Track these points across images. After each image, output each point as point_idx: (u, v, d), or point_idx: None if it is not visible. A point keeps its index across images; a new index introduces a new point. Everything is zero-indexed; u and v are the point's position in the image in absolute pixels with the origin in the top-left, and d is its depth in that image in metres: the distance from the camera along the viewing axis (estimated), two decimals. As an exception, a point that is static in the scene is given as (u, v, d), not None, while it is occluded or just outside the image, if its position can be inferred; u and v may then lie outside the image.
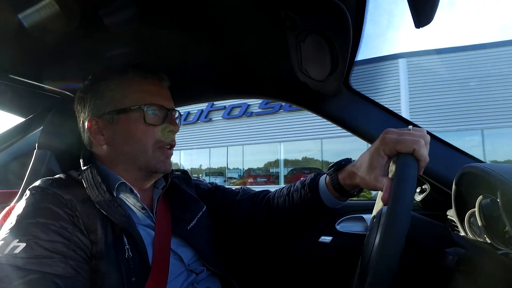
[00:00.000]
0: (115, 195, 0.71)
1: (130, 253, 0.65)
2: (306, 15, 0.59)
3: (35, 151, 0.90)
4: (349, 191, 0.74)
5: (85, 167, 0.72)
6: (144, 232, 0.72)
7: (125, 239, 0.66)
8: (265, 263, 1.06)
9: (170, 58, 0.85)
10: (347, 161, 0.75)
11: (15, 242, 0.56)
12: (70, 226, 0.62)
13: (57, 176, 0.73)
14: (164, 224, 0.77)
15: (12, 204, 0.81)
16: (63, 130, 0.92)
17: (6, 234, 0.58)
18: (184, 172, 0.98)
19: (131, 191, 0.75)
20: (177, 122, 0.81)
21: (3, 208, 1.12)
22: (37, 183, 0.68)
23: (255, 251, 1.09)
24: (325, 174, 0.79)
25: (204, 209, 0.89)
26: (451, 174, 0.83)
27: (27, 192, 0.66)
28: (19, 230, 0.58)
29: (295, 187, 0.85)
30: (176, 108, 0.83)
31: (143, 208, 0.76)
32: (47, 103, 1.00)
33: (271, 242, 1.06)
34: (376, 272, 0.47)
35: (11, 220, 0.60)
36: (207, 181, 1.05)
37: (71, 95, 1.02)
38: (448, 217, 0.88)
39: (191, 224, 0.82)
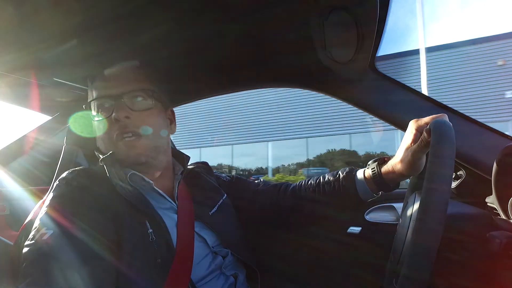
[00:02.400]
0: (131, 184, 0.72)
1: (153, 237, 0.66)
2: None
3: (63, 147, 0.92)
4: (388, 184, 0.77)
5: (103, 157, 0.74)
6: (166, 216, 0.72)
7: (148, 224, 0.67)
8: (291, 253, 1.04)
9: (186, 51, 0.83)
10: (389, 158, 0.79)
11: (43, 230, 0.59)
12: (95, 214, 0.63)
13: (81, 167, 0.75)
14: (187, 208, 0.78)
15: (44, 198, 0.84)
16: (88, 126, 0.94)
17: (38, 223, 0.61)
18: (204, 163, 1.00)
19: (143, 180, 0.75)
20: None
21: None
22: (63, 174, 0.71)
23: (279, 240, 1.07)
24: (364, 168, 0.83)
25: (224, 197, 0.90)
26: (489, 157, 0.78)
27: (55, 184, 0.69)
28: (47, 219, 0.61)
29: (325, 179, 0.88)
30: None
31: (160, 194, 0.77)
32: (72, 100, 1.02)
33: (298, 232, 1.04)
34: (413, 255, 0.44)
35: (42, 211, 0.64)
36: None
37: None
38: (488, 204, 0.82)
39: (213, 210, 0.84)
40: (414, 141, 0.67)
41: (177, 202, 0.78)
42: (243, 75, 0.99)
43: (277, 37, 0.81)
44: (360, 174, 0.82)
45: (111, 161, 0.73)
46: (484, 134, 0.85)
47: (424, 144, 0.64)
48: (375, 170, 0.78)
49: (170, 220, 0.72)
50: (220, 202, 0.87)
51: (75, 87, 1.01)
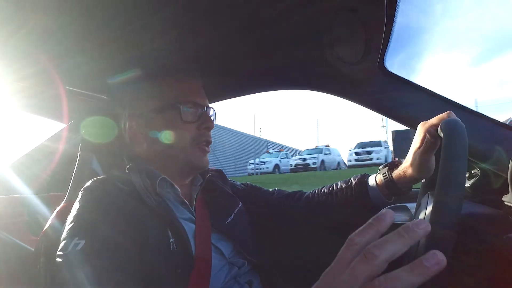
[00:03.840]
0: (157, 190, 0.73)
1: (174, 246, 0.66)
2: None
3: (78, 153, 0.94)
4: (401, 188, 0.77)
5: (130, 165, 0.75)
6: (186, 226, 0.73)
7: (169, 233, 0.68)
8: (304, 255, 1.04)
9: (203, 56, 0.84)
10: (399, 162, 0.79)
11: (75, 240, 0.60)
12: (121, 222, 0.64)
13: (105, 175, 0.77)
14: (204, 219, 0.78)
15: (62, 204, 0.86)
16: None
17: (67, 233, 0.62)
18: (218, 171, 0.99)
19: (172, 186, 0.76)
20: (212, 119, 0.83)
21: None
22: (88, 183, 0.72)
23: (293, 245, 1.07)
24: (375, 174, 0.83)
25: (240, 205, 0.89)
26: (505, 154, 0.76)
27: (80, 193, 0.70)
28: (77, 229, 0.62)
29: (338, 186, 0.89)
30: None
31: (183, 203, 0.77)
32: (85, 107, 1.04)
33: (311, 235, 1.03)
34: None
35: (69, 220, 0.64)
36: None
37: (105, 97, 1.06)
38: (505, 203, 0.80)
39: (229, 219, 0.83)
40: (422, 143, 0.67)
41: (195, 213, 0.78)
42: (259, 78, 0.99)
43: (289, 42, 0.81)
44: (371, 180, 0.83)
45: (138, 169, 0.74)
46: (498, 131, 0.83)
47: (429, 145, 0.64)
48: (386, 175, 0.78)
49: (189, 229, 0.73)
50: (236, 210, 0.86)
51: (89, 95, 1.03)
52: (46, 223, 1.17)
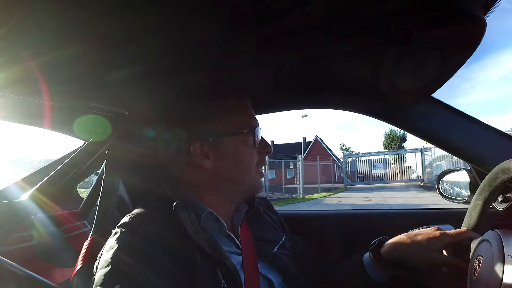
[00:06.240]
0: (201, 225, 0.67)
1: None
2: (430, 30, 0.52)
3: (103, 177, 0.85)
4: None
5: (177, 198, 0.68)
6: (233, 259, 0.67)
7: (219, 273, 0.62)
8: None
9: (251, 73, 0.78)
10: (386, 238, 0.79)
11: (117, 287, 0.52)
12: (169, 266, 0.58)
13: (146, 210, 0.67)
14: (249, 248, 0.74)
15: (89, 238, 0.77)
16: (129, 153, 0.87)
17: (104, 279, 0.54)
18: (264, 199, 0.94)
19: (217, 221, 0.70)
20: None
21: (65, 231, 1.11)
22: (126, 219, 0.63)
23: None
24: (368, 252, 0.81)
25: (283, 239, 0.84)
26: None
27: (117, 231, 0.61)
28: (116, 274, 0.54)
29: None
30: None
31: (228, 236, 0.72)
32: (107, 124, 0.95)
33: None
34: None
35: (106, 263, 0.56)
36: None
37: (127, 113, 0.97)
38: None
39: (275, 249, 0.78)
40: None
41: (240, 243, 0.73)
42: (293, 96, 0.95)
43: (337, 63, 0.77)
44: (366, 257, 0.80)
45: (184, 203, 0.67)
46: None
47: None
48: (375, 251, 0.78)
49: (237, 263, 0.68)
50: (283, 239, 0.82)
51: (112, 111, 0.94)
52: (55, 247, 1.08)
